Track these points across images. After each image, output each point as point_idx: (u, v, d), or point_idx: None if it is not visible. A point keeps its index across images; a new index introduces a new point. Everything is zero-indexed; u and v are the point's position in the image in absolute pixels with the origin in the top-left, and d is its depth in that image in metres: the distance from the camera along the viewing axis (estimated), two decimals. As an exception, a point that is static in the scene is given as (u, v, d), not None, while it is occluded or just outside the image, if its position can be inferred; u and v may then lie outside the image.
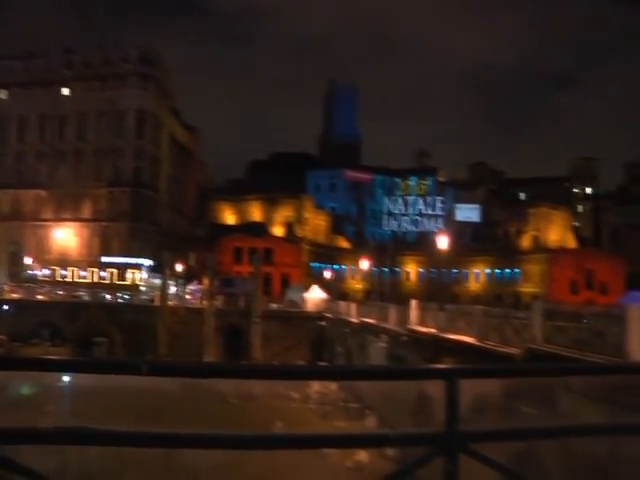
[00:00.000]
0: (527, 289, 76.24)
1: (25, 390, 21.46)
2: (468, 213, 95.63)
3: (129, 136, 74.68)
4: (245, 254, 70.04)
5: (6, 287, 58.65)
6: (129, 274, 72.25)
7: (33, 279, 67.27)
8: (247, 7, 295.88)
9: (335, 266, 77.68)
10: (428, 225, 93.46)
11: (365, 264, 67.59)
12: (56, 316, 49.67)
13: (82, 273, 73.11)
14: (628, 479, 9.13)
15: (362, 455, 16.22)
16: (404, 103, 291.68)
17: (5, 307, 50.26)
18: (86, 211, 74.93)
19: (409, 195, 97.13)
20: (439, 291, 61.77)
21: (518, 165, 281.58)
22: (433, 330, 23.87)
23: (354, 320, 38.01)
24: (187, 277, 67.14)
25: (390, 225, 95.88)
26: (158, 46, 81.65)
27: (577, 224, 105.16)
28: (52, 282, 67.72)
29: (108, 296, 58.27)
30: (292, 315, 49.77)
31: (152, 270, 70.19)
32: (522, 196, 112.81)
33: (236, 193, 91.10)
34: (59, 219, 74.37)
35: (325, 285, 61.33)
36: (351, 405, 26.49)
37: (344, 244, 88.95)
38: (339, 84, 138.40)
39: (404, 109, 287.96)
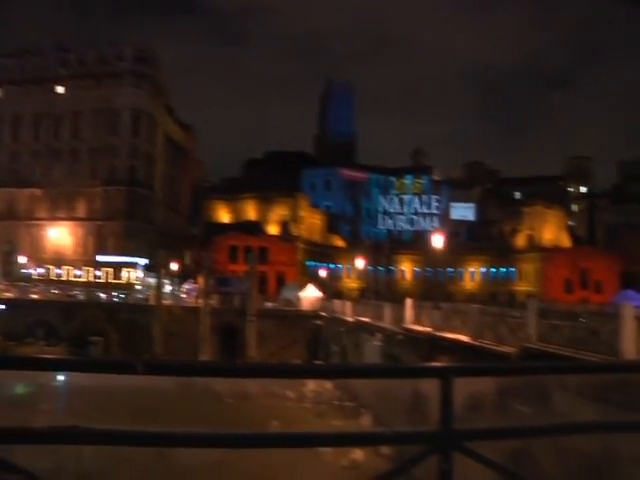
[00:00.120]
0: (522, 288, 76.46)
1: (20, 389, 21.39)
2: (463, 212, 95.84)
3: (124, 135, 74.49)
4: (240, 253, 69.99)
5: (0, 286, 58.41)
6: (124, 273, 72.10)
7: (28, 278, 67.01)
8: (244, 5, 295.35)
9: (330, 265, 77.70)
10: (423, 224, 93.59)
11: (360, 263, 67.64)
12: (51, 315, 49.54)
13: (77, 272, 72.91)
14: (622, 477, 9.18)
15: (357, 454, 16.22)
16: (400, 102, 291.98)
17: (0, 306, 50.09)
18: (81, 210, 74.72)
19: (404, 194, 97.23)
20: (434, 290, 61.83)
21: (513, 164, 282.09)
22: (428, 329, 23.91)
23: (349, 319, 38.05)
24: (182, 276, 67.02)
25: (385, 224, 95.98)
26: (153, 45, 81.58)
27: (572, 223, 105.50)
28: (47, 281, 67.47)
29: (103, 295, 58.12)
30: (287, 314, 49.77)
31: (147, 269, 70.06)
32: (517, 195, 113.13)
33: (231, 192, 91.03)
34: (54, 218, 74.14)
35: (320, 284, 61.33)
36: (346, 404, 26.51)
37: (339, 243, 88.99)
38: (335, 83, 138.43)
39: (400, 108, 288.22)
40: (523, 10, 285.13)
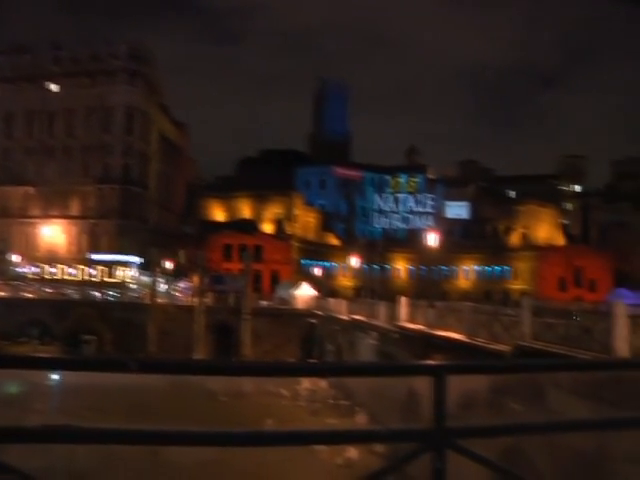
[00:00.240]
0: (516, 286, 76.72)
1: (13, 388, 21.30)
2: (458, 210, 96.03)
3: (118, 133, 74.23)
4: (235, 251, 69.91)
5: (-7, 285, 58.15)
6: (118, 272, 71.88)
7: (21, 277, 66.73)
8: (237, 4, 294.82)
9: (325, 263, 77.71)
10: (418, 222, 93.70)
11: (355, 261, 67.69)
12: (44, 314, 49.32)
13: (70, 271, 72.61)
14: (615, 474, 9.24)
15: (352, 452, 16.26)
16: (395, 101, 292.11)
17: (-8, 305, 49.84)
18: (74, 208, 74.42)
19: (399, 192, 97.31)
20: (429, 288, 61.95)
21: (507, 163, 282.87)
22: (423, 327, 23.95)
23: (344, 317, 38.07)
24: (177, 274, 66.87)
25: (380, 222, 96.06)
26: (147, 43, 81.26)
27: (566, 222, 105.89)
28: (40, 280, 67.21)
29: (97, 294, 57.93)
30: (282, 312, 49.76)
31: (141, 267, 69.89)
32: (511, 194, 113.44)
33: (225, 190, 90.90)
34: (47, 216, 73.81)
35: (315, 282, 61.35)
36: (341, 402, 26.54)
37: (334, 241, 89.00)
38: (329, 82, 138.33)
39: (395, 107, 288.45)
40: (518, 9, 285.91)
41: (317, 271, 70.09)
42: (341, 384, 26.35)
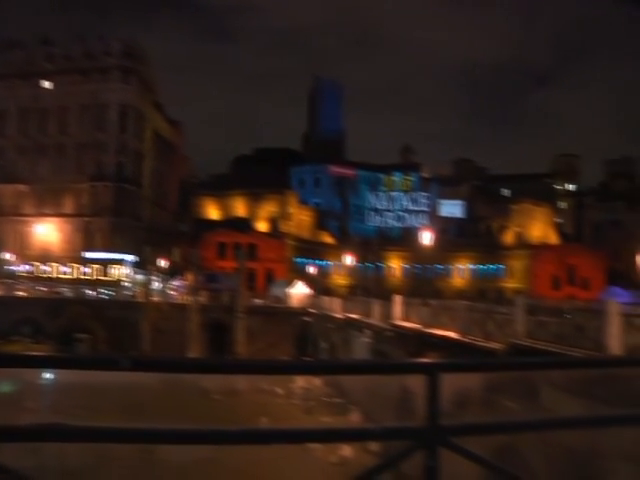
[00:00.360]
0: (510, 284, 76.95)
1: (4, 387, 21.22)
2: (452, 209, 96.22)
3: (112, 130, 73.94)
4: (229, 249, 69.83)
5: (-14, 283, 57.85)
6: (112, 270, 71.65)
7: (13, 275, 66.41)
8: (232, 2, 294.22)
9: (319, 261, 77.72)
10: (412, 221, 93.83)
11: (349, 260, 67.72)
12: (37, 312, 49.10)
13: (64, 269, 72.33)
14: (606, 471, 9.28)
15: (346, 450, 16.28)
16: (389, 99, 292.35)
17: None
18: (68, 206, 74.10)
19: (393, 191, 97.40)
20: (423, 286, 62.10)
21: (501, 162, 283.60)
22: (417, 325, 23.99)
23: (338, 315, 38.09)
24: (171, 273, 66.73)
25: (374, 221, 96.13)
26: (141, 40, 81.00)
27: (559, 220, 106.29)
28: (33, 278, 66.93)
29: (91, 292, 57.73)
30: (276, 311, 49.74)
31: (135, 266, 69.68)
32: (505, 192, 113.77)
33: (220, 188, 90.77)
34: (40, 214, 73.48)
35: (309, 281, 61.35)
36: (335, 400, 26.55)
37: (328, 240, 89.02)
38: (324, 80, 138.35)
39: (389, 105, 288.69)
40: (513, 9, 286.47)
41: (311, 269, 70.09)
42: (335, 382, 26.37)
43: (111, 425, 1.91)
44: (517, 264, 79.32)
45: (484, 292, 76.57)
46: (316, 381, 28.40)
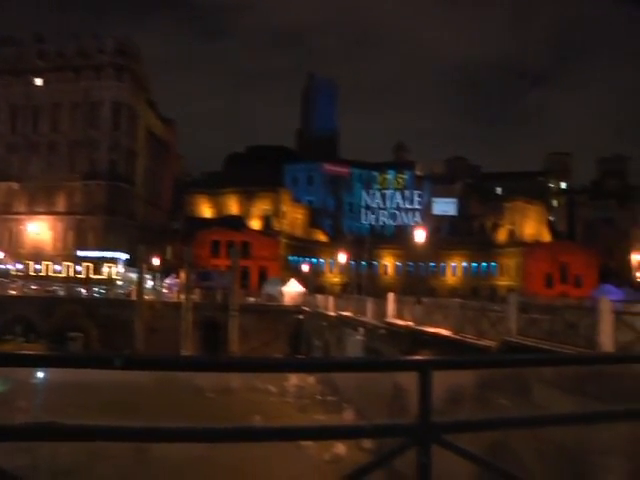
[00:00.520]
0: (503, 282, 77.22)
1: (-2, 386, 21.09)
2: (445, 207, 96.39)
3: (104, 128, 73.60)
4: (222, 247, 69.72)
5: (-23, 282, 57.50)
6: (105, 268, 71.39)
7: (5, 274, 66.01)
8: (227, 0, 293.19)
9: (313, 259, 77.73)
10: (405, 219, 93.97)
11: (343, 257, 67.75)
12: (30, 311, 48.85)
13: (57, 267, 72.00)
14: (598, 467, 9.35)
15: (340, 448, 16.31)
16: (383, 98, 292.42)
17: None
18: (60, 204, 73.72)
19: (387, 189, 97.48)
20: (416, 284, 62.10)
21: (495, 160, 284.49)
22: (410, 323, 24.04)
23: (331, 313, 38.12)
24: (164, 271, 66.54)
25: (368, 219, 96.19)
26: (135, 38, 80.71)
27: (552, 218, 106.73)
28: (25, 277, 66.57)
29: (83, 290, 57.50)
30: (270, 309, 49.73)
31: (128, 264, 69.44)
32: (498, 190, 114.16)
33: (213, 186, 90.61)
34: (32, 212, 73.08)
35: (303, 279, 61.35)
36: (329, 398, 26.58)
37: (322, 238, 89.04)
38: (318, 78, 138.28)
39: (383, 103, 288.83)
40: (506, 7, 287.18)
41: (305, 267, 70.08)
42: (328, 380, 26.39)
43: (105, 424, 1.91)
44: (510, 262, 79.60)
45: (477, 290, 76.85)
46: (309, 379, 28.42)
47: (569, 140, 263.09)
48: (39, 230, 72.01)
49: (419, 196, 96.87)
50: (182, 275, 55.06)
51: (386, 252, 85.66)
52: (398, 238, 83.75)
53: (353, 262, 72.95)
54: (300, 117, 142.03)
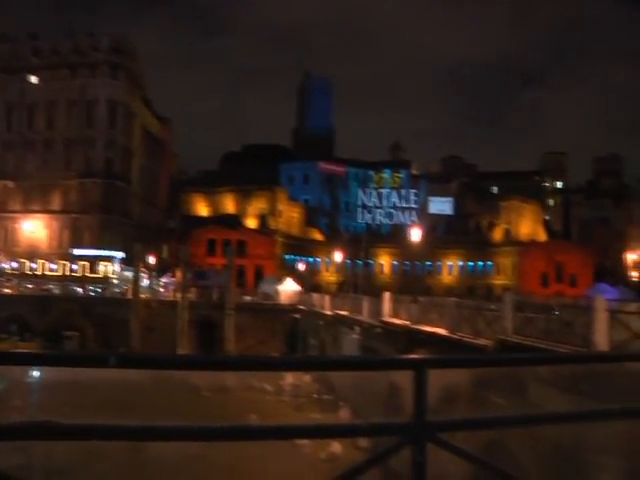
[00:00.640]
0: (499, 281, 77.38)
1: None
2: (441, 206, 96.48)
3: (100, 126, 73.38)
4: (218, 246, 69.64)
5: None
6: (101, 267, 71.20)
7: (0, 272, 65.81)
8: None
9: (309, 258, 77.74)
10: (401, 218, 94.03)
11: (339, 256, 67.78)
12: (25, 310, 48.70)
13: (52, 266, 71.77)
14: (592, 464, 9.38)
15: (336, 447, 16.33)
16: (379, 97, 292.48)
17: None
18: (56, 202, 73.48)
19: (383, 188, 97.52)
20: (412, 283, 62.23)
21: (491, 159, 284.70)
22: (406, 322, 24.07)
23: (327, 312, 38.12)
24: (160, 269, 66.44)
25: (364, 217, 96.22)
26: (130, 36, 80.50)
27: (548, 217, 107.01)
28: (20, 275, 66.35)
29: (79, 289, 57.36)
30: (266, 308, 49.70)
31: (124, 263, 69.30)
32: (494, 189, 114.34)
33: (209, 185, 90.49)
34: (27, 211, 72.78)
35: (299, 277, 61.34)
36: (325, 397, 26.60)
37: (318, 236, 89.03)
38: (314, 77, 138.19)
39: (379, 102, 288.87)
40: (502, 7, 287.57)
41: (301, 266, 70.08)
42: (325, 379, 26.41)
43: (101, 422, 1.90)
44: (506, 261, 79.77)
45: (473, 289, 76.98)
46: (306, 378, 28.44)
47: (565, 140, 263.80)
48: (34, 228, 71.75)
49: (415, 195, 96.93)
50: (178, 274, 54.99)
51: (382, 251, 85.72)
52: (394, 237, 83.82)
53: (349, 261, 72.98)
54: (296, 116, 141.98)
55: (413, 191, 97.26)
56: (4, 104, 74.62)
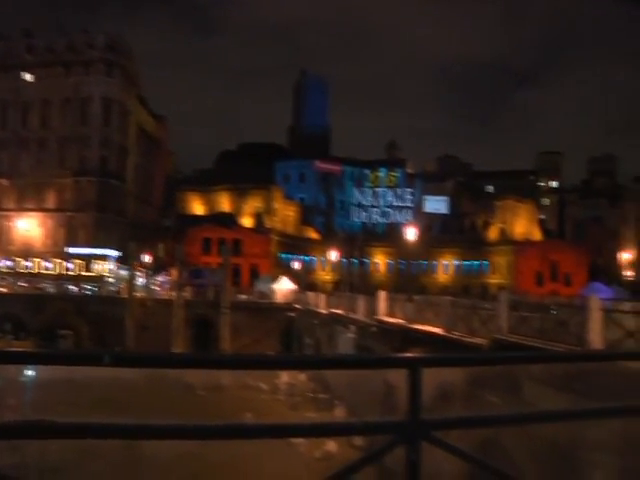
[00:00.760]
0: (494, 280, 77.55)
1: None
2: (437, 205, 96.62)
3: (95, 124, 73.13)
4: (214, 245, 69.54)
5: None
6: (95, 265, 71.02)
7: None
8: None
9: (304, 257, 77.72)
10: (397, 217, 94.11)
11: (334, 255, 67.77)
12: (19, 309, 48.56)
13: (47, 264, 71.55)
14: (585, 461, 9.42)
15: (331, 445, 16.33)
16: (375, 95, 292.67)
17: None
18: (50, 201, 73.23)
19: (378, 187, 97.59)
20: (408, 282, 62.29)
21: (486, 158, 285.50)
22: (401, 321, 24.10)
23: (323, 311, 38.13)
24: (155, 268, 66.31)
25: (359, 216, 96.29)
26: (126, 34, 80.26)
27: (542, 217, 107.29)
28: (15, 274, 66.12)
29: (74, 288, 57.20)
30: (261, 306, 49.67)
31: (119, 261, 69.15)
32: (490, 189, 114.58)
33: (205, 183, 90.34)
34: (22, 209, 72.51)
35: (294, 276, 61.33)
36: (320, 396, 26.59)
37: (313, 235, 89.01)
38: (310, 75, 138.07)
39: (375, 101, 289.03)
40: (495, 6, 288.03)
41: (296, 265, 70.06)
42: (320, 377, 26.40)
43: (96, 421, 1.90)
44: (501, 260, 79.96)
45: (468, 288, 77.10)
46: (301, 377, 28.43)
47: (560, 139, 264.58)
48: (29, 227, 71.48)
49: (411, 194, 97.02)
50: (173, 272, 54.92)
51: (377, 250, 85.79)
52: (389, 236, 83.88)
53: (345, 260, 73.00)
54: (292, 114, 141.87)
55: (409, 190, 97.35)
56: (-2, 102, 74.30)
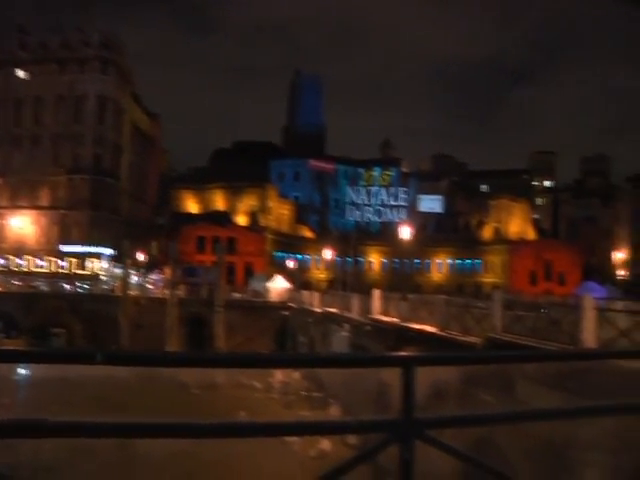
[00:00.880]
0: (488, 279, 77.79)
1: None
2: (431, 204, 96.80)
3: (89, 122, 72.86)
4: (208, 243, 69.43)
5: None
6: (89, 263, 70.78)
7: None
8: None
9: (298, 256, 77.69)
10: (391, 215, 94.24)
11: (328, 254, 67.79)
12: (11, 307, 48.27)
13: (40, 262, 71.24)
14: (578, 460, 9.46)
15: (325, 444, 16.33)
16: (370, 94, 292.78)
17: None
18: (44, 199, 72.90)
19: (372, 185, 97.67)
20: (402, 281, 62.40)
21: (480, 158, 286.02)
22: (396, 319, 24.13)
23: (317, 310, 38.15)
24: (149, 266, 66.15)
25: (353, 215, 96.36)
26: (120, 32, 79.94)
27: (536, 216, 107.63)
28: (7, 272, 65.79)
29: (67, 286, 56.96)
30: (255, 305, 49.64)
31: (113, 259, 68.94)
32: (484, 188, 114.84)
33: (199, 182, 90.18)
34: (15, 207, 72.15)
35: (289, 275, 61.32)
36: (314, 394, 26.59)
37: (307, 234, 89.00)
38: (305, 74, 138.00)
39: (369, 100, 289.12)
40: (491, 5, 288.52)
41: (291, 263, 70.04)
42: (314, 376, 26.40)
43: (90, 420, 1.89)
44: (495, 259, 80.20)
45: (462, 287, 77.30)
46: (295, 375, 28.41)
47: (554, 139, 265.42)
48: (22, 225, 71.10)
49: (405, 193, 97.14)
50: (167, 271, 54.78)
51: (372, 248, 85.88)
52: (384, 235, 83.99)
53: (339, 258, 73.04)
54: (287, 113, 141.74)
55: (403, 189, 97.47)
56: (-9, 99, 73.87)
